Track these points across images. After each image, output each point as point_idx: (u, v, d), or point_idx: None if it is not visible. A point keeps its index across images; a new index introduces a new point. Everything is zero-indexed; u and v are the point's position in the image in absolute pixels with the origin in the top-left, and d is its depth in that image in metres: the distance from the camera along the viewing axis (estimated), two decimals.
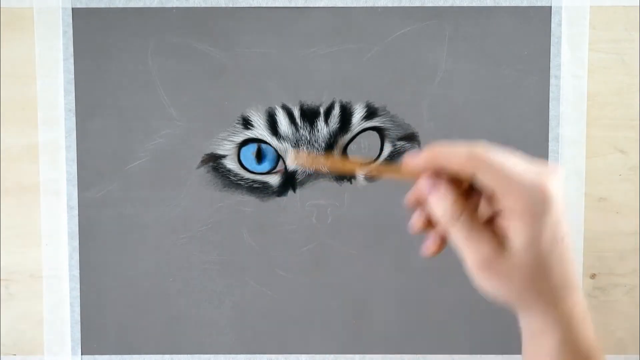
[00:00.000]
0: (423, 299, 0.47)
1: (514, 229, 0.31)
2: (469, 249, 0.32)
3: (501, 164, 0.30)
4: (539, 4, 0.46)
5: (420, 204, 0.34)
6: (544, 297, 0.32)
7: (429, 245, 0.35)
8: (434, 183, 0.32)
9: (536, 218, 0.31)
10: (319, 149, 0.46)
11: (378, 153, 0.47)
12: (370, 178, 0.47)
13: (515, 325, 0.49)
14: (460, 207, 0.31)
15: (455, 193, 0.32)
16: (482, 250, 0.31)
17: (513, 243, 0.31)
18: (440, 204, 0.32)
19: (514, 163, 0.31)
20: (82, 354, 0.48)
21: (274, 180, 0.47)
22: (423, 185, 0.32)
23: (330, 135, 0.46)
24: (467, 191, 0.33)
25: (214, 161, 0.47)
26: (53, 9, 0.46)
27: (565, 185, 0.47)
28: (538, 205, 0.30)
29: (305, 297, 0.47)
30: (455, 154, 0.31)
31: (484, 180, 0.31)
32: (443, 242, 0.34)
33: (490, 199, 0.32)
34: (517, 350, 0.49)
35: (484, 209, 0.33)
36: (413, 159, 0.32)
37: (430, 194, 0.32)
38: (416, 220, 0.34)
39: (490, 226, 0.32)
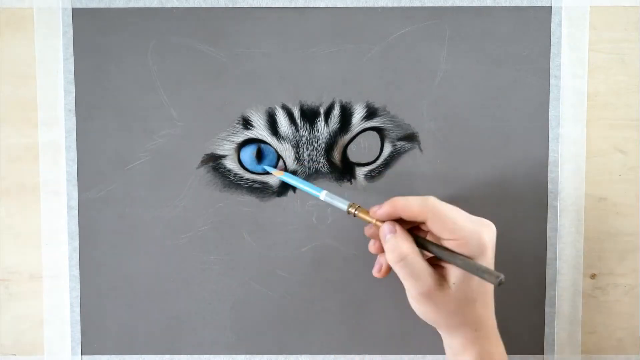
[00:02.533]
0: None
1: (452, 269, 0.38)
2: (412, 283, 0.38)
3: (447, 215, 0.38)
4: (539, 4, 0.46)
5: (375, 237, 0.42)
6: (468, 322, 0.39)
7: (377, 270, 0.42)
8: (392, 229, 0.39)
9: (476, 262, 0.37)
10: (319, 149, 0.46)
11: (378, 153, 0.47)
12: (370, 178, 0.47)
13: (515, 325, 0.50)
14: (407, 250, 0.38)
15: (406, 239, 0.39)
16: (422, 285, 0.38)
17: (450, 280, 0.38)
18: (392, 246, 0.39)
19: (457, 215, 0.38)
20: (82, 354, 0.48)
21: (274, 180, 0.47)
22: (383, 229, 0.39)
23: (330, 135, 0.46)
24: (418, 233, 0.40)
25: (214, 161, 0.47)
26: (53, 9, 0.46)
27: (565, 185, 0.47)
28: (474, 251, 0.37)
29: (305, 297, 0.47)
30: (410, 206, 0.38)
31: (432, 227, 0.38)
32: (389, 269, 0.41)
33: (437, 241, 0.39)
34: (517, 350, 0.49)
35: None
36: (378, 210, 0.39)
37: (386, 238, 0.39)
38: (372, 247, 0.43)
39: (431, 264, 0.39)
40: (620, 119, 0.47)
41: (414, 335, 0.47)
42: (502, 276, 0.36)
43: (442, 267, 0.39)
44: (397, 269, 0.39)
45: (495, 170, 0.47)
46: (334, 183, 0.47)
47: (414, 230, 0.41)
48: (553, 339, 0.48)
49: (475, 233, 0.38)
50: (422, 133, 0.47)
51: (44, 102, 0.47)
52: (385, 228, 0.39)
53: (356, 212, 0.41)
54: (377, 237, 0.41)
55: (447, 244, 0.38)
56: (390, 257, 0.39)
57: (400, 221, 0.40)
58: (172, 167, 0.47)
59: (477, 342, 0.40)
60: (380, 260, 0.42)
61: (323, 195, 0.43)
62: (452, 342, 0.41)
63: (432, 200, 0.38)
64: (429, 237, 0.40)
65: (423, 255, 0.39)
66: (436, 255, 0.39)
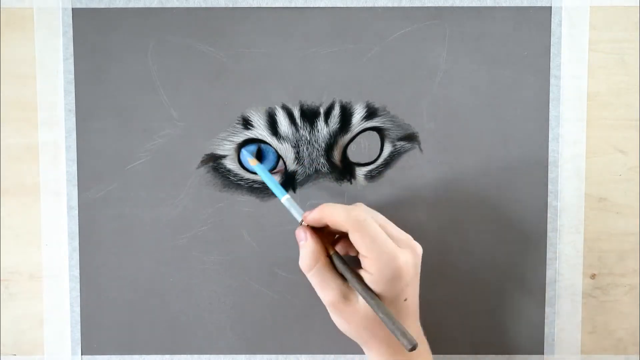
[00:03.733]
0: (423, 299, 0.47)
1: (368, 277, 0.38)
2: (319, 292, 0.39)
3: (367, 230, 0.37)
4: (539, 4, 0.46)
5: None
6: (379, 339, 0.39)
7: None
8: (302, 236, 0.40)
9: (383, 281, 0.37)
10: (319, 149, 0.46)
11: (378, 153, 0.47)
12: (370, 178, 0.47)
13: (515, 325, 0.50)
14: (315, 260, 0.38)
15: (315, 248, 0.39)
16: (331, 294, 0.38)
17: (359, 294, 0.38)
18: (302, 254, 0.39)
19: (377, 232, 0.37)
20: (82, 354, 0.48)
21: (297, 216, 0.47)
22: (296, 234, 0.40)
23: (330, 135, 0.46)
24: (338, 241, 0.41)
25: (214, 161, 0.47)
26: (53, 9, 0.46)
27: (565, 185, 0.47)
28: (387, 271, 0.37)
29: (305, 297, 0.47)
30: (335, 215, 0.38)
31: (352, 239, 0.38)
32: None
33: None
34: (517, 350, 0.49)
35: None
36: (309, 215, 0.39)
37: (300, 243, 0.40)
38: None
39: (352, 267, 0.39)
40: (620, 119, 0.47)
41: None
42: (415, 343, 0.35)
43: (359, 274, 0.39)
44: (307, 276, 0.39)
45: (495, 170, 0.47)
46: (334, 183, 0.47)
47: (340, 238, 0.41)
48: (553, 339, 0.48)
49: (390, 255, 0.37)
50: (422, 133, 0.47)
51: (44, 102, 0.47)
52: (298, 235, 0.40)
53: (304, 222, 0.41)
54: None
55: (362, 259, 0.38)
56: (300, 264, 0.39)
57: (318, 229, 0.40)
58: (172, 167, 0.47)
59: (393, 358, 0.39)
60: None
61: (284, 199, 0.43)
62: (369, 355, 0.41)
63: (357, 212, 0.38)
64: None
65: (331, 267, 0.39)
66: (349, 283, 0.39)
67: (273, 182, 0.44)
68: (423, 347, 0.41)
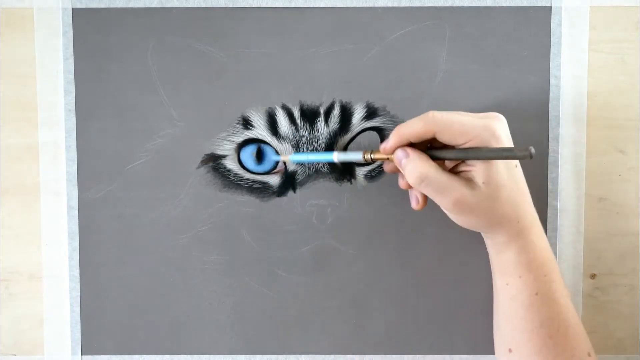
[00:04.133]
0: (423, 298, 0.47)
1: (475, 169, 0.38)
2: (441, 198, 0.38)
3: (452, 120, 0.37)
4: (539, 4, 0.46)
5: (396, 170, 0.42)
6: (508, 215, 0.39)
7: (415, 204, 0.42)
8: (404, 154, 0.39)
9: (494, 155, 0.37)
10: (319, 149, 0.46)
11: None
12: (370, 178, 0.47)
13: None
14: (425, 169, 0.38)
15: (421, 158, 0.38)
16: (452, 195, 0.38)
17: (477, 180, 0.38)
18: (410, 170, 0.38)
19: (462, 117, 0.38)
20: (82, 354, 0.48)
21: (274, 180, 0.47)
22: (397, 157, 0.39)
23: (330, 135, 0.46)
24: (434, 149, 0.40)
25: (214, 161, 0.47)
26: (53, 9, 0.46)
27: (565, 185, 0.47)
28: (489, 142, 0.37)
29: (305, 297, 0.47)
30: (414, 127, 0.38)
31: (443, 138, 0.38)
32: (424, 198, 0.41)
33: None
34: None
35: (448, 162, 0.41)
36: (387, 143, 0.39)
37: (402, 164, 0.39)
38: (401, 183, 0.42)
39: (456, 173, 0.39)
40: (620, 119, 0.47)
41: (414, 335, 0.47)
42: (531, 148, 0.35)
43: (467, 171, 0.39)
44: (422, 189, 0.39)
45: None
46: (334, 183, 0.47)
47: (430, 148, 0.40)
48: None
49: (485, 127, 0.37)
50: None
51: (44, 102, 0.47)
52: (399, 155, 0.39)
53: (372, 156, 0.41)
54: (398, 170, 0.41)
55: (460, 152, 0.38)
56: (412, 181, 0.38)
57: (413, 146, 0.39)
58: (172, 167, 0.47)
59: (521, 234, 0.40)
60: (414, 193, 0.42)
61: (335, 157, 0.43)
62: (495, 241, 0.41)
63: (433, 114, 0.38)
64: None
65: (444, 167, 0.39)
66: (459, 159, 0.39)
67: (317, 155, 0.45)
68: (541, 227, 0.42)
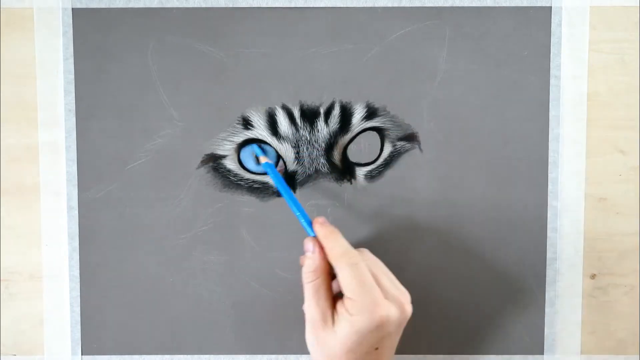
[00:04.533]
0: (423, 299, 0.47)
1: (343, 319, 0.38)
2: (309, 308, 0.39)
3: (358, 274, 0.37)
4: (539, 4, 0.46)
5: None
6: None
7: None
8: (314, 248, 0.40)
9: (361, 325, 0.37)
10: (319, 149, 0.46)
11: (378, 153, 0.47)
12: (370, 178, 0.47)
13: (515, 325, 0.50)
14: (316, 275, 0.39)
15: (323, 263, 0.39)
16: (316, 311, 0.38)
17: (338, 327, 0.38)
18: (308, 263, 0.39)
19: (368, 279, 0.37)
20: (82, 354, 0.48)
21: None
22: (305, 244, 0.40)
23: (330, 135, 0.46)
24: None
25: (214, 161, 0.47)
26: (53, 9, 0.46)
27: (565, 185, 0.47)
28: (366, 318, 0.37)
29: None
30: (336, 249, 0.39)
31: (340, 278, 0.38)
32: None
33: None
34: (517, 350, 0.49)
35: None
36: (315, 246, 0.40)
37: (306, 254, 0.40)
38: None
39: (334, 300, 0.39)
40: (620, 119, 0.47)
41: (414, 335, 0.47)
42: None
43: (338, 309, 0.39)
44: (304, 285, 0.40)
45: (495, 170, 0.47)
46: (334, 183, 0.47)
47: None
48: (553, 339, 0.48)
49: (372, 303, 0.37)
50: (422, 133, 0.47)
51: (44, 102, 0.47)
52: (306, 244, 0.40)
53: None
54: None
55: (346, 300, 0.38)
56: (303, 273, 0.40)
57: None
58: (172, 167, 0.47)
59: None
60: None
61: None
62: None
63: (353, 254, 0.39)
64: None
65: (328, 287, 0.39)
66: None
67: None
68: None
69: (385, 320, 0.37)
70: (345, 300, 0.38)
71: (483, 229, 0.47)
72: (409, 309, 0.39)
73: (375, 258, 0.41)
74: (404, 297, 0.39)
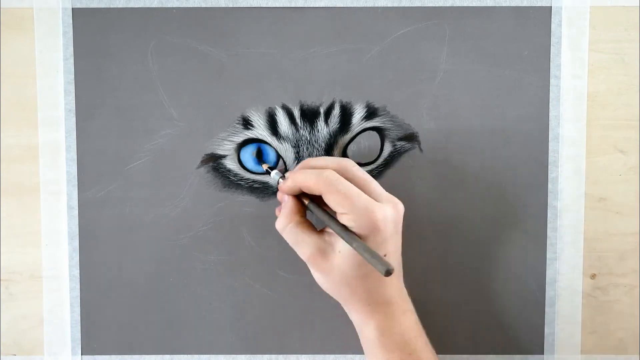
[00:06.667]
0: (423, 299, 0.47)
1: (337, 237, 0.38)
2: (297, 248, 0.40)
3: (339, 188, 0.37)
4: (539, 4, 0.46)
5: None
6: (359, 296, 0.39)
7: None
8: (282, 198, 0.41)
9: (363, 236, 0.37)
10: (319, 149, 0.46)
11: (378, 153, 0.47)
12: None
13: (515, 325, 0.50)
14: (289, 219, 0.40)
15: (291, 209, 0.40)
16: (307, 249, 0.39)
17: (336, 248, 0.39)
18: (281, 212, 0.40)
19: (350, 189, 0.37)
20: (82, 354, 0.48)
21: (275, 180, 0.47)
22: (279, 197, 0.42)
23: (330, 135, 0.46)
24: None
25: (214, 161, 0.47)
26: (53, 9, 0.46)
27: (565, 185, 0.47)
28: (363, 227, 0.37)
29: (305, 297, 0.47)
30: (307, 180, 0.38)
31: (327, 201, 0.38)
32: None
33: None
34: (517, 350, 0.49)
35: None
36: (284, 184, 0.40)
37: (279, 207, 0.41)
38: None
39: (320, 233, 0.40)
40: (620, 119, 0.47)
41: None
42: (390, 267, 0.34)
43: (331, 234, 0.40)
44: (283, 235, 0.40)
45: (495, 170, 0.47)
46: None
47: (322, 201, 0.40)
48: (553, 339, 0.48)
49: (366, 208, 0.37)
50: (422, 133, 0.47)
51: (44, 102, 0.47)
52: (278, 196, 0.42)
53: (278, 185, 0.42)
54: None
55: (340, 217, 0.38)
56: (277, 226, 0.40)
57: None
58: (172, 167, 0.47)
59: (374, 316, 0.39)
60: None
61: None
62: (352, 317, 0.41)
63: (327, 173, 0.38)
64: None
65: (305, 225, 0.40)
66: (328, 225, 0.39)
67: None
68: (407, 306, 0.41)
69: (382, 222, 0.37)
70: (340, 217, 0.38)
71: (483, 229, 0.47)
72: (400, 206, 0.39)
73: (355, 165, 0.40)
74: (391, 196, 0.39)
